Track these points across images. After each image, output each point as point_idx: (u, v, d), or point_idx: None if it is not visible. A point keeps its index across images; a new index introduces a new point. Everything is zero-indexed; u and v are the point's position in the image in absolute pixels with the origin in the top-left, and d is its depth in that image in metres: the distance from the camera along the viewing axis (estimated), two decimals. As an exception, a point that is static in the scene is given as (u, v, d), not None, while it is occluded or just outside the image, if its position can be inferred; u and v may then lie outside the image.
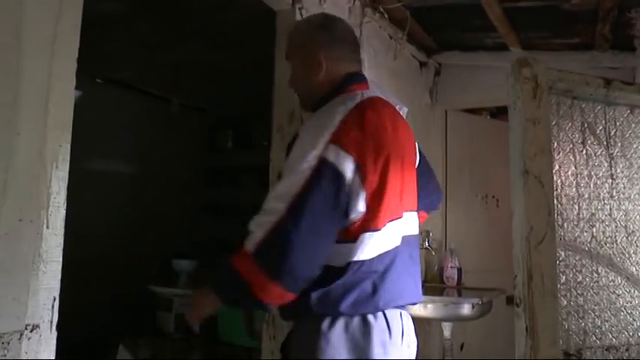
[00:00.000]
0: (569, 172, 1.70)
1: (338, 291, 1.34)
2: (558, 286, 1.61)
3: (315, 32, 1.58)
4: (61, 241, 1.43)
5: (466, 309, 2.92)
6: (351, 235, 1.35)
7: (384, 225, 1.38)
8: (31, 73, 1.34)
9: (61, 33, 1.41)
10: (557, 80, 1.61)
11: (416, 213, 1.55)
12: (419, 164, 1.62)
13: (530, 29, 3.10)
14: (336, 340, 1.34)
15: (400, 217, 1.44)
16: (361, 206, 1.33)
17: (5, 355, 1.28)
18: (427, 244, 3.35)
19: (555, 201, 1.62)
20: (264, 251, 1.28)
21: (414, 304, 1.55)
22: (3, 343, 1.28)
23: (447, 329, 3.08)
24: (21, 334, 1.32)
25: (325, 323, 1.35)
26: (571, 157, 1.71)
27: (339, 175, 1.30)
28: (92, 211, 3.80)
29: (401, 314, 1.48)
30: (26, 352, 1.34)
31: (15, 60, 1.31)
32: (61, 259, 1.43)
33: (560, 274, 1.63)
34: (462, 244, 3.59)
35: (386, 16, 3.01)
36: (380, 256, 1.38)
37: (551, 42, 3.24)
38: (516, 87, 1.54)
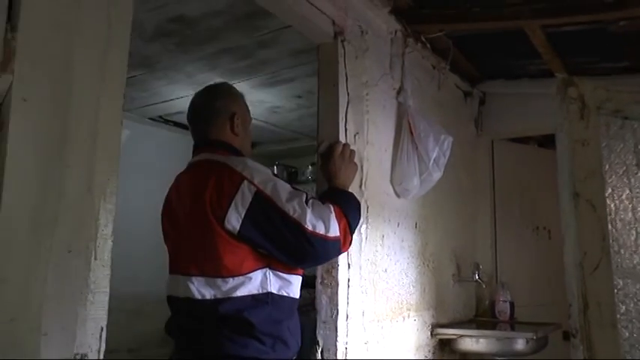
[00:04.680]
0: (624, 196, 1.61)
1: None
2: (618, 316, 1.52)
3: None
4: (109, 272, 1.45)
5: (520, 344, 2.81)
6: None
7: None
8: (80, 108, 1.39)
9: (109, 68, 1.46)
10: (606, 100, 1.56)
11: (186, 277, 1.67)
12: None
13: (575, 54, 3.03)
14: None
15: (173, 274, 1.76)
16: None
17: (56, 383, 1.30)
18: (477, 277, 3.25)
19: (610, 226, 1.54)
20: None
21: None
22: (53, 371, 1.29)
23: (500, 365, 2.97)
24: (70, 363, 1.34)
25: None
26: (625, 179, 1.62)
27: None
28: (143, 247, 3.87)
29: None
30: (75, 382, 1.35)
31: (65, 94, 1.36)
32: (108, 289, 1.45)
33: (620, 304, 1.54)
34: (513, 277, 3.49)
35: (428, 45, 3.01)
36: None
37: (598, 66, 3.15)
38: (562, 108, 1.50)
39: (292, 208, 1.57)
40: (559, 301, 3.42)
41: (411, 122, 2.69)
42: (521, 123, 3.63)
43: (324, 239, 1.57)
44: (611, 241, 1.54)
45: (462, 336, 2.91)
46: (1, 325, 1.20)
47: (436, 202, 3.06)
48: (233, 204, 1.56)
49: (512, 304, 3.27)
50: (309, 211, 1.57)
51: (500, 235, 3.64)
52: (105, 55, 1.46)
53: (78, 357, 1.37)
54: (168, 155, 4.46)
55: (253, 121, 4.35)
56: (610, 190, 1.61)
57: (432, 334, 2.90)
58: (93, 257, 1.41)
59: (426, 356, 2.85)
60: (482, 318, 3.36)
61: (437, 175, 2.67)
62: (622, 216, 1.60)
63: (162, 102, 4.09)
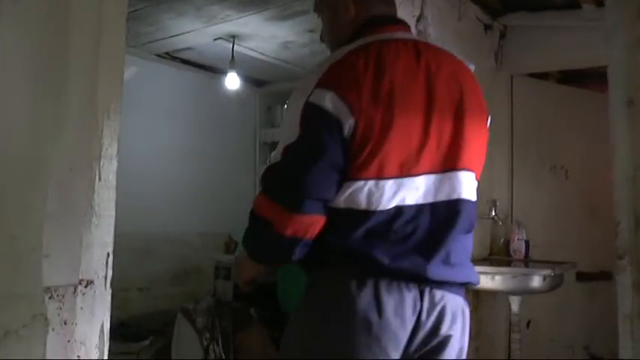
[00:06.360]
0: (686, 105, 1.48)
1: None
2: (673, 235, 1.42)
3: None
4: (114, 194, 1.38)
5: (536, 281, 2.76)
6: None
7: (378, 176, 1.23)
8: (80, 14, 1.29)
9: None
10: (669, -4, 1.41)
11: (464, 173, 1.38)
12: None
13: (606, -20, 2.85)
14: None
15: (405, 175, 1.27)
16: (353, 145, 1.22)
17: (60, 308, 1.24)
18: (494, 214, 3.18)
19: (668, 137, 1.42)
20: (267, 185, 1.29)
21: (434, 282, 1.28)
22: (58, 295, 1.24)
23: (515, 303, 2.92)
24: (75, 288, 1.27)
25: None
26: (687, 87, 1.48)
27: (324, 114, 1.21)
28: (151, 186, 3.84)
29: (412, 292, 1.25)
30: (81, 308, 1.30)
31: (65, 3, 1.25)
32: (114, 213, 1.38)
33: (675, 222, 1.43)
34: (529, 216, 3.43)
35: (449, -28, 2.85)
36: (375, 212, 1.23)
37: (630, -5, 2.98)
38: (617, 7, 1.36)
39: None
40: (573, 241, 3.38)
41: (430, 51, 2.55)
42: (543, 57, 3.47)
43: None
44: (668, 154, 1.42)
45: (476, 273, 2.86)
46: (1, 242, 1.12)
47: (453, 137, 2.96)
48: None
49: (527, 243, 3.22)
50: None
51: (517, 173, 3.55)
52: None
53: (84, 283, 1.31)
54: (175, 94, 4.38)
55: (265, 58, 4.26)
56: (669, 98, 1.47)
57: (445, 272, 2.85)
58: (97, 178, 1.33)
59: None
60: (497, 256, 3.31)
61: (456, 106, 2.56)
62: (681, 128, 1.48)
63: (169, 37, 3.94)
